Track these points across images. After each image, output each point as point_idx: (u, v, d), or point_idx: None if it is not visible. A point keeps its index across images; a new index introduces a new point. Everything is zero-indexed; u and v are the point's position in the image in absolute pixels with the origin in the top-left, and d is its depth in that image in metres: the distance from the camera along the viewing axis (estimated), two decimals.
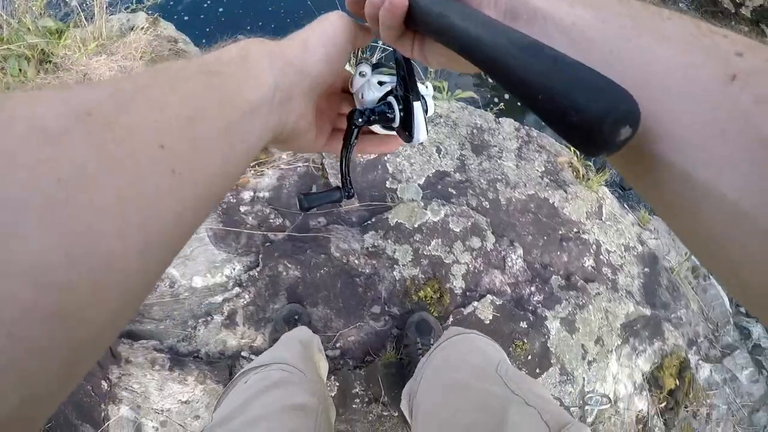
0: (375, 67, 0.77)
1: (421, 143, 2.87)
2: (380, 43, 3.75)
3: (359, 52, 0.79)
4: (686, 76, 0.36)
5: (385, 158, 2.84)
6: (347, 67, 0.76)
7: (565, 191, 3.06)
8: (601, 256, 3.11)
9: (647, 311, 3.21)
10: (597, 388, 2.90)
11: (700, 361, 3.55)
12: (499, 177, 2.94)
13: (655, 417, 3.17)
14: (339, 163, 0.72)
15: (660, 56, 0.37)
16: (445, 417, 1.20)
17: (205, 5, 6.92)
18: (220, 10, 6.90)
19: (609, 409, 2.95)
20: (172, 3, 6.61)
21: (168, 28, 3.33)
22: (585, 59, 0.38)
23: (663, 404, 3.22)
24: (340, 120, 0.76)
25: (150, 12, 3.35)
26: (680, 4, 10.28)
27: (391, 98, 0.71)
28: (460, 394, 1.25)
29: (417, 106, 0.68)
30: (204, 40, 6.58)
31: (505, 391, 1.22)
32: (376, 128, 0.75)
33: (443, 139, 2.98)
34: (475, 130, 3.08)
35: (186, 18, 6.75)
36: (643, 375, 3.15)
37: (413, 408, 1.45)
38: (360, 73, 0.74)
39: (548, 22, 0.44)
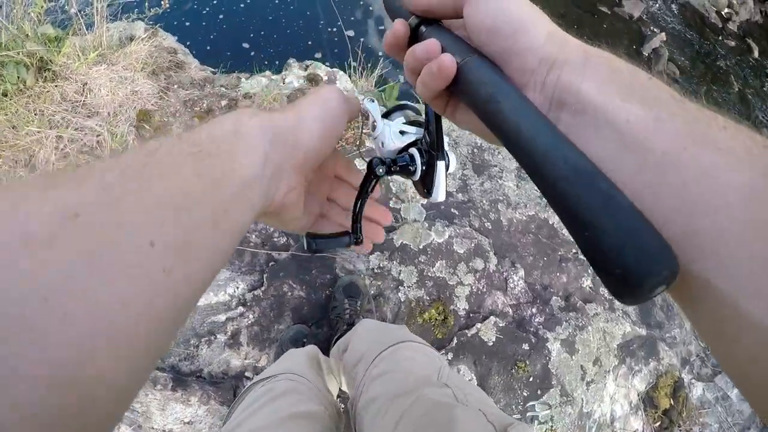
0: (397, 110, 0.76)
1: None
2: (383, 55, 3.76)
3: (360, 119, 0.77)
4: (743, 198, 0.34)
5: (389, 177, 2.84)
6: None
7: None
8: (598, 278, 3.14)
9: (643, 331, 3.24)
10: (595, 409, 2.92)
11: (693, 380, 3.58)
12: (501, 197, 2.96)
13: None
14: (352, 210, 0.70)
15: (716, 171, 0.36)
16: (391, 422, 1.20)
17: (205, 11, 6.90)
18: (220, 17, 6.89)
19: (605, 426, 2.97)
20: (171, 12, 6.56)
21: (167, 39, 3.32)
22: (637, 161, 0.38)
23: (657, 423, 3.25)
24: (329, 205, 0.75)
25: (150, 23, 3.33)
26: (669, 19, 10.45)
27: (414, 150, 0.68)
28: (405, 400, 1.24)
29: (441, 165, 0.65)
30: (208, 47, 6.57)
31: (449, 395, 1.22)
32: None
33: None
34: (475, 150, 3.10)
35: (187, 24, 6.72)
36: (638, 395, 3.17)
37: (356, 419, 1.44)
38: (377, 119, 0.74)
39: (599, 116, 0.41)
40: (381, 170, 0.68)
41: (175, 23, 6.58)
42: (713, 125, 0.38)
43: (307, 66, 3.25)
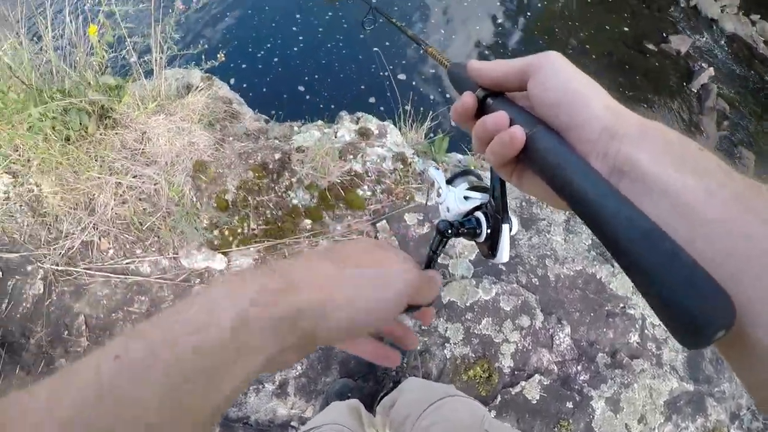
0: (460, 176, 0.80)
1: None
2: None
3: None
4: None
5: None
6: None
7: (612, 265, 3.06)
8: (646, 331, 3.11)
9: (690, 387, 3.19)
10: None
11: None
12: (548, 252, 2.96)
13: None
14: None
15: (764, 243, 0.39)
16: None
17: (260, 54, 7.05)
18: (275, 60, 7.00)
19: None
20: (228, 56, 6.71)
21: (222, 88, 3.41)
22: (689, 228, 0.42)
23: None
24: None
25: (206, 72, 3.43)
26: (717, 53, 10.22)
27: (480, 214, 0.72)
28: None
29: (506, 229, 0.70)
30: (264, 89, 6.69)
31: None
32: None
33: None
34: (524, 203, 3.11)
35: (244, 66, 6.88)
36: None
37: None
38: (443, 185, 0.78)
39: (654, 185, 0.45)
40: (450, 232, 0.72)
41: (232, 65, 6.76)
42: (761, 197, 0.42)
43: (359, 119, 3.30)
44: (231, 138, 2.98)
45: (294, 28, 7.50)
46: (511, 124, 0.55)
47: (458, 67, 0.69)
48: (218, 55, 3.02)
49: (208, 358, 0.43)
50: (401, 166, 3.05)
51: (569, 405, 2.68)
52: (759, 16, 11.96)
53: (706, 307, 0.37)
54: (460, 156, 3.47)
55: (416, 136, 3.41)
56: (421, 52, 0.96)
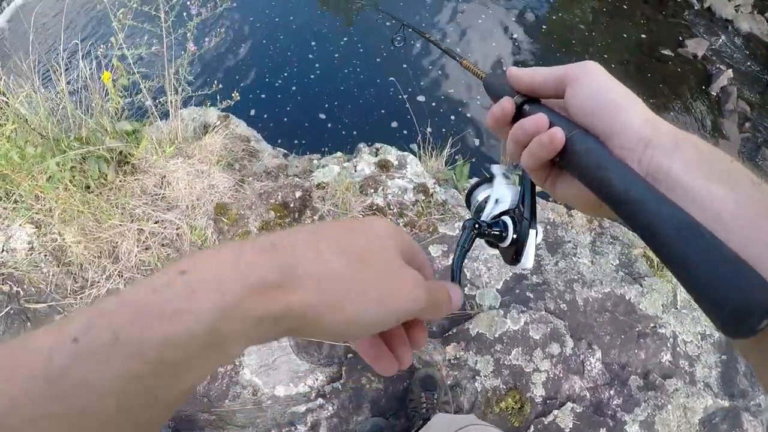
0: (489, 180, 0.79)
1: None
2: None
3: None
4: None
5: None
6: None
7: (641, 285, 3.02)
8: (678, 348, 3.07)
9: (726, 402, 3.14)
10: None
11: None
12: (575, 276, 2.92)
13: None
14: (451, 267, 0.70)
15: None
16: None
17: (278, 84, 7.06)
18: (293, 89, 7.00)
19: None
20: (244, 91, 6.76)
21: (240, 126, 3.40)
22: (719, 235, 0.42)
23: None
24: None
25: (223, 111, 3.43)
26: (734, 54, 10.10)
27: (507, 219, 0.72)
28: None
29: (533, 234, 0.70)
30: (285, 118, 6.68)
31: None
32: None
33: None
34: (548, 226, 3.07)
35: (263, 96, 6.91)
36: None
37: None
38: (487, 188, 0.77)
39: (687, 194, 0.47)
40: (476, 232, 0.70)
41: (251, 96, 6.79)
42: None
43: (378, 150, 3.28)
44: (250, 178, 2.97)
45: (310, 56, 7.52)
46: (549, 127, 0.57)
47: (495, 77, 0.70)
48: (233, 95, 3.02)
49: (179, 351, 0.38)
50: (423, 197, 3.02)
51: (603, 431, 2.64)
52: None
53: (752, 295, 0.39)
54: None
55: (436, 164, 3.38)
56: (450, 63, 0.95)
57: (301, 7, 8.39)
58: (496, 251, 0.75)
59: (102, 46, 2.89)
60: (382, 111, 6.49)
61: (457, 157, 3.44)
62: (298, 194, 2.90)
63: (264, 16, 7.91)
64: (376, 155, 3.23)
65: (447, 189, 3.15)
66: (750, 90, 9.97)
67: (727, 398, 3.17)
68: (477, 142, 6.61)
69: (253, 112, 6.48)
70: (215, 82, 3.05)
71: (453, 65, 7.87)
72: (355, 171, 3.09)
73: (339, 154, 3.31)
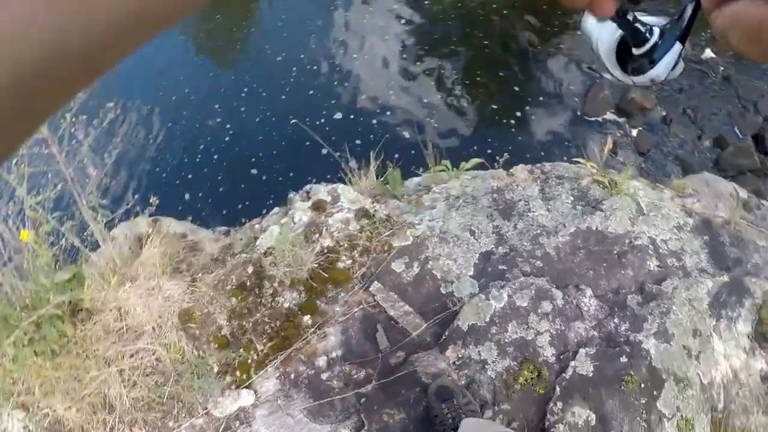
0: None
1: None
2: None
3: None
4: None
5: (428, 266, 2.89)
6: None
7: (602, 210, 3.07)
8: (661, 250, 3.12)
9: (725, 277, 3.20)
10: (714, 376, 2.90)
11: None
12: (538, 231, 2.96)
13: None
14: None
15: None
16: None
17: (198, 159, 7.09)
18: (215, 157, 7.03)
19: (734, 388, 2.95)
20: (172, 187, 6.78)
21: (171, 224, 3.40)
22: None
23: None
24: None
25: (151, 216, 3.43)
26: None
27: (656, 27, 0.68)
28: None
29: (678, 47, 0.66)
30: (220, 188, 6.69)
31: None
32: None
33: (470, 219, 3.02)
34: (495, 195, 3.11)
35: (190, 176, 6.91)
36: (748, 336, 3.13)
37: None
38: None
39: None
40: (624, 12, 0.65)
41: (177, 182, 6.78)
42: None
43: (308, 193, 3.29)
44: (200, 273, 2.98)
45: (219, 119, 7.54)
46: None
47: None
48: (151, 200, 3.02)
49: None
50: (366, 221, 3.05)
51: (623, 360, 2.68)
52: None
53: None
54: (417, 179, 3.46)
55: (368, 183, 3.40)
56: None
57: (191, 77, 8.39)
58: (617, 75, 0.72)
59: (7, 206, 2.87)
60: (307, 143, 6.53)
61: (388, 164, 3.46)
62: (250, 270, 2.92)
63: (159, 101, 7.88)
64: (309, 198, 3.25)
65: (386, 202, 3.18)
66: None
67: (725, 272, 3.23)
68: (402, 142, 6.76)
69: (187, 196, 6.50)
70: (132, 191, 3.06)
71: (356, 75, 8.01)
72: (294, 223, 3.11)
73: (276, 210, 3.33)
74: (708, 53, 9.81)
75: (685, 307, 2.95)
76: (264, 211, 3.54)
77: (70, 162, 2.92)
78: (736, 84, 9.46)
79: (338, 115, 7.31)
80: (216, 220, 5.32)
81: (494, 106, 8.12)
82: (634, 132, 7.89)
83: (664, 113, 8.42)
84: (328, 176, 3.57)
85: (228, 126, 7.44)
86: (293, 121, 6.82)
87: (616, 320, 2.81)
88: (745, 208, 3.88)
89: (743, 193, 4.00)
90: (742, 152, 7.96)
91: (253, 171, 6.79)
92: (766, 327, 3.18)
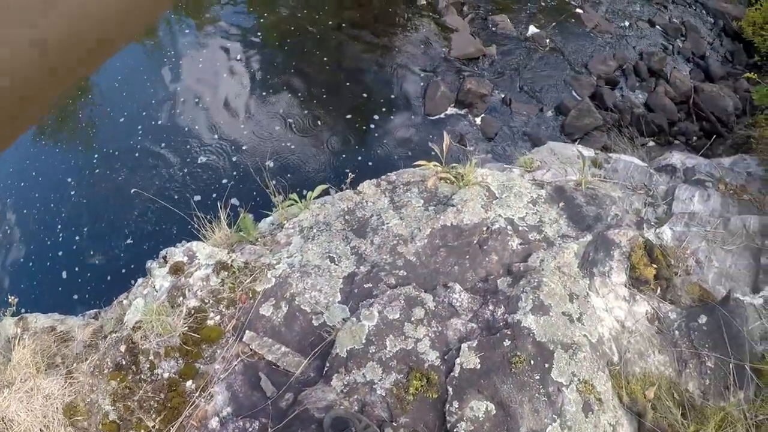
0: None
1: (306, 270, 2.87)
2: None
3: None
4: None
5: (296, 302, 2.84)
6: None
7: (453, 205, 3.11)
8: (521, 228, 3.19)
9: (588, 236, 3.30)
10: (602, 332, 2.95)
11: (657, 229, 3.67)
12: (395, 241, 2.97)
13: (661, 305, 3.23)
14: None
15: None
16: None
17: (61, 239, 6.94)
18: (77, 238, 6.95)
19: (624, 337, 3.01)
20: (43, 271, 6.65)
21: (39, 319, 3.24)
22: None
23: (658, 291, 3.30)
24: None
25: (15, 315, 3.28)
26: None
27: None
28: None
29: None
30: (91, 262, 6.55)
31: None
32: None
33: (327, 246, 3.00)
34: (347, 216, 3.10)
35: (60, 253, 6.75)
36: (625, 285, 3.23)
37: None
38: None
39: None
40: None
41: (49, 263, 6.58)
42: None
43: (165, 257, 3.20)
44: (75, 363, 2.85)
45: (72, 193, 7.41)
46: None
47: None
48: (9, 299, 2.93)
49: None
50: (226, 273, 2.98)
51: (507, 343, 2.70)
52: None
53: None
54: (269, 218, 3.42)
55: (222, 234, 3.34)
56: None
57: (37, 161, 8.29)
58: None
59: None
60: (157, 207, 6.54)
61: (239, 210, 3.41)
62: (123, 348, 2.81)
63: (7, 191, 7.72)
64: (166, 263, 3.15)
65: (243, 249, 3.13)
66: None
67: (587, 232, 3.34)
68: (250, 184, 6.89)
69: (64, 274, 6.42)
70: None
71: (198, 124, 8.09)
72: (157, 291, 3.01)
73: (140, 280, 3.21)
74: (532, 29, 10.37)
75: (556, 275, 3.01)
76: (130, 284, 3.43)
77: None
78: (564, 52, 10.03)
79: (186, 173, 7.36)
80: (86, 302, 5.25)
81: (337, 126, 8.31)
82: (478, 120, 8.21)
83: (502, 95, 8.81)
84: (185, 239, 3.49)
85: (84, 201, 7.40)
86: (133, 191, 6.81)
87: (491, 307, 2.84)
88: (595, 166, 4.05)
89: (590, 152, 4.18)
90: (584, 113, 8.43)
91: (114, 245, 6.77)
92: (640, 271, 3.29)
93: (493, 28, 10.24)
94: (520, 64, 9.61)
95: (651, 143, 8.13)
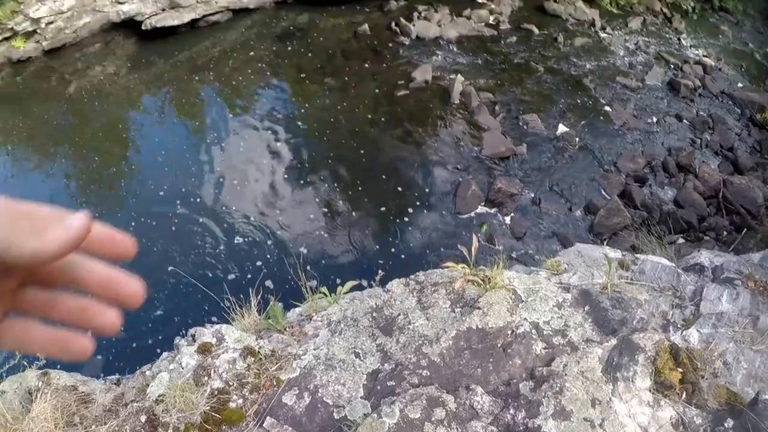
0: None
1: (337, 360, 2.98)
2: None
3: None
4: None
5: (319, 394, 2.93)
6: None
7: (479, 308, 3.20)
8: (545, 332, 3.25)
9: (613, 340, 3.34)
10: None
11: (684, 331, 3.67)
12: (420, 341, 3.06)
13: (686, 410, 3.21)
14: None
15: None
16: None
17: None
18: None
19: None
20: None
21: (61, 376, 3.35)
22: None
23: (684, 395, 3.29)
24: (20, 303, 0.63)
25: (40, 369, 3.41)
26: None
27: None
28: None
29: None
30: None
31: None
32: None
33: (353, 341, 3.11)
34: (374, 313, 3.21)
35: None
36: (649, 390, 3.23)
37: None
38: None
39: None
40: None
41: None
42: None
43: (194, 336, 3.34)
44: (94, 426, 2.95)
45: None
46: None
47: None
48: (38, 355, 3.02)
49: None
50: (252, 359, 3.10)
51: None
52: (469, 9, 13.56)
53: None
54: (298, 309, 3.56)
55: (251, 320, 3.49)
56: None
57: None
58: None
59: None
60: (190, 288, 6.68)
61: (269, 297, 3.55)
62: (143, 419, 2.90)
63: None
64: (194, 342, 3.29)
65: (270, 336, 3.25)
66: (482, 78, 11.10)
67: (611, 336, 3.38)
68: (282, 273, 6.99)
69: (89, 333, 6.55)
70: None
71: (236, 206, 8.31)
72: (183, 368, 3.13)
73: (165, 355, 3.34)
74: (562, 128, 10.61)
75: (579, 380, 3.05)
76: (155, 356, 3.55)
77: None
78: (593, 150, 10.21)
79: (220, 251, 7.52)
80: (107, 368, 5.32)
81: (371, 219, 8.48)
82: (508, 219, 8.33)
83: (532, 195, 8.95)
84: (214, 318, 3.62)
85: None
86: (175, 271, 6.97)
87: (511, 411, 2.88)
88: (622, 267, 4.11)
89: (617, 254, 4.24)
90: (613, 212, 8.48)
91: (142, 315, 6.86)
92: (666, 375, 3.29)
93: (524, 127, 10.55)
94: (549, 162, 9.82)
95: (680, 240, 8.11)
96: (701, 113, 12.00)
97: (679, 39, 17.18)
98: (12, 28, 14.11)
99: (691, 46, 16.84)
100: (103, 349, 6.64)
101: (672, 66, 14.71)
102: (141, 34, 14.27)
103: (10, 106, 12.53)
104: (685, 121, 11.45)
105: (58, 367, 3.55)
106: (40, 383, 3.32)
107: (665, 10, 19.07)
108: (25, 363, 3.37)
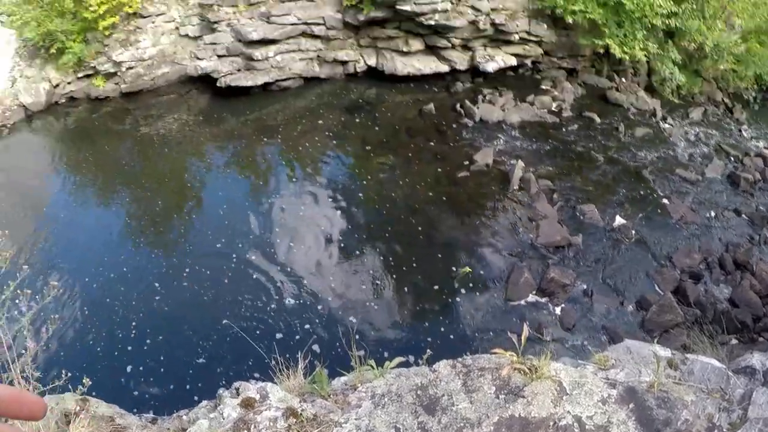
0: None
1: None
2: None
3: None
4: None
5: None
6: None
7: (523, 396, 3.22)
8: (587, 427, 3.23)
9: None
10: None
11: None
12: (462, 423, 3.08)
13: None
14: None
15: None
16: None
17: (133, 335, 7.20)
18: (147, 330, 7.14)
19: None
20: (110, 361, 6.93)
21: (100, 405, 3.45)
22: None
23: None
24: None
25: (81, 395, 3.53)
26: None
27: None
28: None
29: None
30: (157, 366, 6.76)
31: None
32: None
33: (395, 416, 3.15)
34: (419, 391, 3.26)
35: (130, 347, 6.96)
36: None
37: None
38: None
39: None
40: None
41: (116, 353, 6.85)
42: None
43: (237, 389, 3.42)
44: None
45: (158, 298, 7.77)
46: None
47: None
48: (84, 381, 3.17)
49: None
50: (294, 421, 3.16)
51: None
52: (532, 95, 13.93)
53: None
54: (344, 378, 3.62)
55: (296, 382, 3.56)
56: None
57: (132, 256, 8.77)
58: None
59: None
60: (238, 340, 6.80)
61: (315, 362, 3.63)
62: None
63: (93, 280, 8.13)
64: (238, 394, 3.37)
65: (314, 401, 3.31)
66: (542, 165, 11.23)
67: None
68: (331, 340, 7.05)
69: (129, 368, 6.66)
70: (64, 365, 3.19)
71: (290, 268, 8.47)
72: (224, 418, 3.20)
73: (204, 402, 3.42)
74: (619, 220, 10.55)
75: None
76: (191, 403, 3.64)
77: (8, 330, 3.08)
78: (649, 244, 10.07)
79: (271, 309, 7.62)
80: (143, 402, 5.38)
81: (423, 296, 8.51)
82: (558, 310, 8.25)
83: (584, 286, 8.85)
84: (256, 374, 3.70)
85: (166, 308, 7.70)
86: (225, 322, 7.10)
87: None
88: (671, 367, 4.05)
89: (666, 353, 4.19)
90: (665, 309, 8.28)
91: (185, 359, 6.93)
92: None
93: (581, 217, 10.55)
94: (604, 255, 9.76)
95: (733, 341, 7.88)
96: (761, 208, 11.80)
97: (740, 130, 17.05)
98: (94, 67, 15.12)
99: (752, 138, 16.67)
100: (140, 382, 6.76)
101: (732, 158, 14.60)
102: (215, 90, 15.04)
103: (83, 140, 13.29)
104: (743, 216, 11.28)
105: (94, 394, 3.69)
106: (78, 408, 3.45)
107: (726, 100, 19.02)
108: (69, 386, 3.50)
